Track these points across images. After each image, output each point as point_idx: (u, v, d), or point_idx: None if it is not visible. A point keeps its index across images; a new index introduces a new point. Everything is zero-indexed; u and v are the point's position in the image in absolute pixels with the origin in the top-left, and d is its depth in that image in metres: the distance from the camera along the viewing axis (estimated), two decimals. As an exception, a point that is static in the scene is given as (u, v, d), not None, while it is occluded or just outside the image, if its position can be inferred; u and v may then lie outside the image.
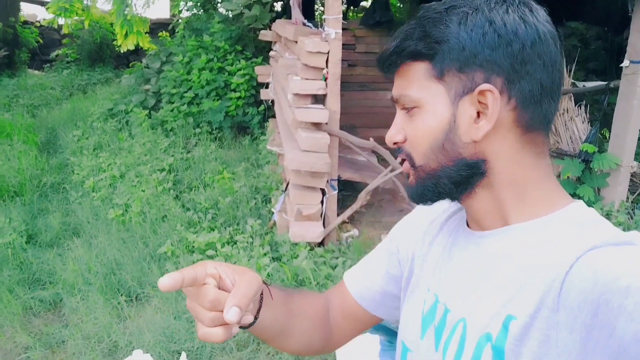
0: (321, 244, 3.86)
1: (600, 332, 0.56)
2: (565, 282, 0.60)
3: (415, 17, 0.73)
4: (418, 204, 0.79)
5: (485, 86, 0.69)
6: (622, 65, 4.13)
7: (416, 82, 0.72)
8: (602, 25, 6.05)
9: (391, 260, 0.94)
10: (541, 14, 0.70)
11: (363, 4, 8.55)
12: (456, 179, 0.73)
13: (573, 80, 5.31)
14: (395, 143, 0.77)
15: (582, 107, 4.95)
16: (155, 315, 3.20)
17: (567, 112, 4.89)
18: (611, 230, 0.66)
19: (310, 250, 3.66)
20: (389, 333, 2.42)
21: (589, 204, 3.86)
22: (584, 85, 5.49)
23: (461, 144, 0.71)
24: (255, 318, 0.76)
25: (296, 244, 3.69)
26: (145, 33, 7.18)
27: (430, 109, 0.72)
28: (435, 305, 0.79)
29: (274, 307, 0.82)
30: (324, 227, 3.82)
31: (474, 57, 0.68)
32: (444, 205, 0.87)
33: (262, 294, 0.78)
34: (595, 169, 4.25)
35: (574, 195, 3.91)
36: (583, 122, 4.89)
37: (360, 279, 0.98)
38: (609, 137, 4.41)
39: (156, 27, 10.27)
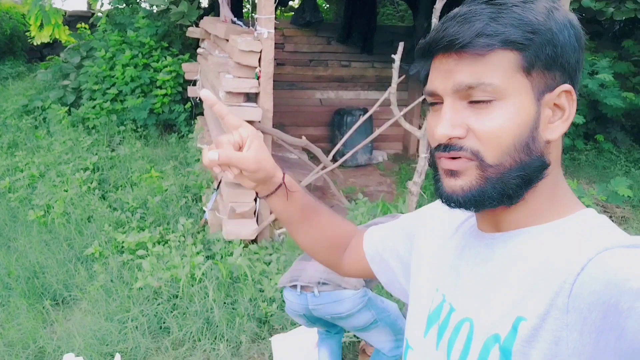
0: (254, 241, 3.89)
1: (609, 334, 0.55)
2: (576, 284, 0.59)
3: (484, 1, 0.67)
4: (469, 209, 0.72)
5: (566, 87, 0.68)
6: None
7: (500, 72, 0.66)
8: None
9: (404, 241, 0.95)
10: None
11: (291, 3, 8.62)
12: (528, 180, 0.69)
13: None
14: (450, 139, 0.69)
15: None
16: (84, 318, 3.10)
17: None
18: (622, 234, 0.66)
19: (245, 247, 3.69)
20: (326, 325, 2.52)
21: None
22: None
23: (542, 143, 0.68)
24: (261, 197, 0.95)
25: (230, 241, 3.70)
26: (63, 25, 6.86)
27: (515, 103, 0.66)
28: (441, 305, 0.79)
29: (287, 204, 0.96)
30: (258, 224, 3.85)
31: (561, 56, 0.67)
32: None
33: (279, 187, 0.94)
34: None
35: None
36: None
37: (375, 242, 1.01)
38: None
39: (73, 20, 9.79)
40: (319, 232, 1.04)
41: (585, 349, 0.57)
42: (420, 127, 4.29)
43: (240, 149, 0.85)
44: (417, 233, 0.93)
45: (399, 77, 4.00)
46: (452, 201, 0.71)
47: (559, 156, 0.72)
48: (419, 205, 2.72)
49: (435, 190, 0.75)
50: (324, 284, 2.26)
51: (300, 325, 2.97)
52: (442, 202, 0.73)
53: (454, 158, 0.69)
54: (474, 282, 0.74)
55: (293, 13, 7.20)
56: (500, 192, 0.68)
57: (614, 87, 5.78)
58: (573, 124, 6.03)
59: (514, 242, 0.71)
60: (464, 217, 0.84)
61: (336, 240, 1.06)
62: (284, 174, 0.94)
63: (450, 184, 0.70)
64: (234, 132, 0.85)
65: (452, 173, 0.70)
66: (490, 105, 0.66)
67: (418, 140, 4.34)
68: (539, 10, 0.66)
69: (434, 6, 3.79)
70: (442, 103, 0.70)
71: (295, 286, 2.31)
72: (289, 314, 2.47)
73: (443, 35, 0.67)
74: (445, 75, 0.68)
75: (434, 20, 3.85)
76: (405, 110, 4.13)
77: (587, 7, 6.07)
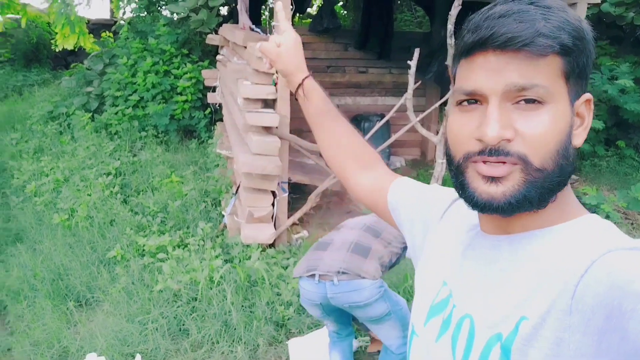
0: (272, 245, 3.94)
1: (612, 335, 0.55)
2: (579, 286, 0.60)
3: (527, 2, 0.67)
4: (505, 215, 0.69)
5: (588, 95, 0.70)
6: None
7: (549, 75, 0.65)
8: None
9: (424, 213, 0.94)
10: None
11: (309, 10, 8.70)
12: (563, 184, 0.69)
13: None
14: (500, 141, 0.66)
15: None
16: (106, 319, 3.18)
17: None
18: (625, 237, 0.66)
19: (262, 251, 3.74)
20: (340, 318, 2.55)
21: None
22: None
23: (573, 149, 0.70)
24: (291, 93, 1.17)
25: (248, 245, 3.76)
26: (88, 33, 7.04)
27: (559, 107, 0.67)
28: (447, 299, 0.79)
29: (306, 104, 1.12)
30: (275, 229, 3.91)
31: (588, 66, 0.69)
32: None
33: (299, 87, 1.13)
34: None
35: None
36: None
37: (398, 198, 1.00)
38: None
39: (97, 28, 10.00)
40: (334, 139, 1.12)
41: (588, 350, 0.58)
42: (437, 133, 4.31)
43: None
44: (436, 215, 0.91)
45: (415, 82, 4.03)
46: (490, 208, 0.68)
47: None
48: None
49: (466, 197, 0.71)
50: (343, 273, 2.29)
51: (316, 330, 3.02)
52: (474, 208, 0.71)
53: (497, 163, 0.67)
54: (477, 281, 0.75)
55: (311, 20, 7.27)
56: (540, 197, 0.67)
57: (635, 93, 5.72)
58: (593, 130, 5.99)
59: (521, 244, 0.71)
60: (476, 218, 0.83)
61: (351, 153, 1.11)
62: (306, 77, 1.11)
63: (490, 191, 0.67)
64: (282, 34, 1.12)
65: (494, 179, 0.67)
66: (539, 107, 0.65)
67: (435, 146, 4.36)
68: (575, 18, 0.66)
69: (449, 13, 3.82)
70: (476, 102, 0.69)
71: (313, 275, 2.33)
72: (304, 304, 2.49)
73: (503, 32, 0.64)
74: (493, 74, 0.66)
75: (449, 26, 3.88)
76: (421, 115, 4.16)
77: (607, 12, 6.02)
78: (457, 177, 0.72)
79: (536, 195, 0.67)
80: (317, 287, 2.33)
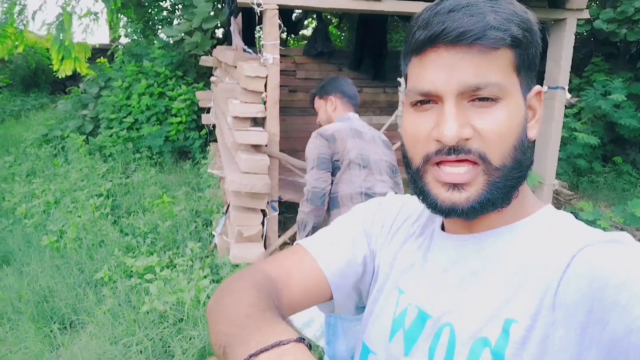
0: (262, 265, 3.88)
1: (594, 328, 0.55)
2: (562, 281, 0.60)
3: None
4: (468, 219, 0.68)
5: (539, 88, 0.70)
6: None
7: (501, 71, 0.64)
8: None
9: (361, 245, 0.84)
10: None
11: (303, 32, 8.76)
12: (523, 179, 0.68)
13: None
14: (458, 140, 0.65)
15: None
16: (90, 341, 3.10)
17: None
18: (596, 230, 0.65)
19: (251, 271, 3.67)
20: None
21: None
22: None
23: (528, 142, 0.68)
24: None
25: (237, 265, 3.70)
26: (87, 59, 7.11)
27: (513, 102, 0.65)
28: (406, 310, 0.75)
29: None
30: (265, 248, 3.85)
31: (537, 57, 0.68)
32: (417, 204, 0.81)
33: None
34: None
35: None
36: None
37: (332, 260, 0.82)
38: (533, 158, 4.71)
39: (94, 53, 10.09)
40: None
41: (571, 345, 0.57)
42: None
43: None
44: (372, 232, 0.85)
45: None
46: (453, 213, 0.66)
47: None
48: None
49: (427, 203, 0.69)
50: None
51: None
52: (437, 213, 0.69)
53: (458, 162, 0.65)
54: (447, 285, 0.72)
55: (306, 42, 7.31)
56: (503, 196, 0.66)
57: (629, 108, 5.70)
58: (589, 146, 5.97)
59: (488, 242, 0.70)
60: (425, 217, 0.82)
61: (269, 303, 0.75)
62: None
63: (453, 197, 0.66)
64: None
65: (456, 186, 0.66)
66: (494, 104, 0.64)
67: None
68: (522, 10, 0.66)
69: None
70: (431, 102, 0.67)
71: None
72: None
73: (455, 26, 0.62)
74: (446, 70, 0.64)
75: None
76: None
77: (600, 29, 6.04)
78: (415, 183, 0.70)
79: (499, 196, 0.66)
80: None
